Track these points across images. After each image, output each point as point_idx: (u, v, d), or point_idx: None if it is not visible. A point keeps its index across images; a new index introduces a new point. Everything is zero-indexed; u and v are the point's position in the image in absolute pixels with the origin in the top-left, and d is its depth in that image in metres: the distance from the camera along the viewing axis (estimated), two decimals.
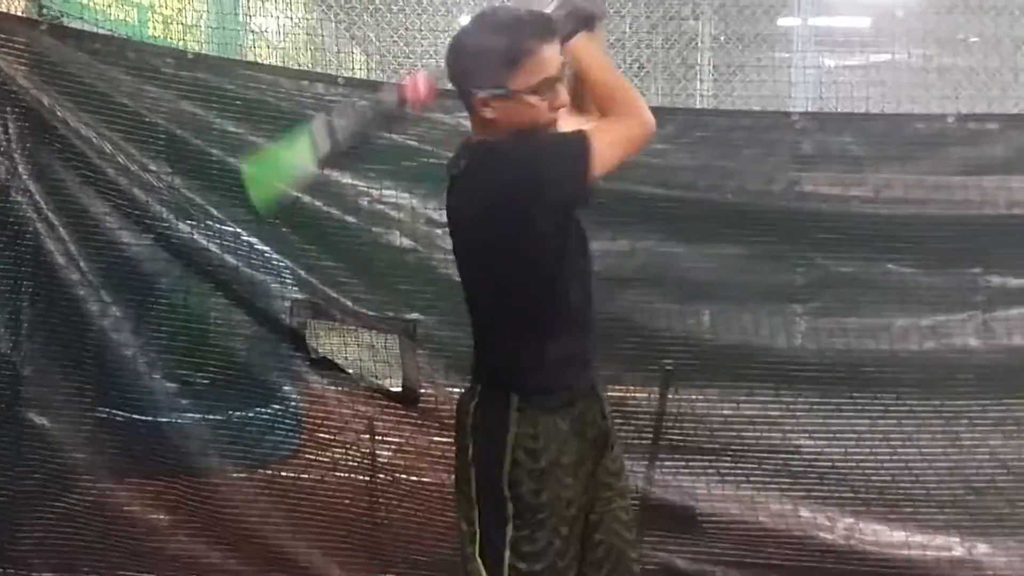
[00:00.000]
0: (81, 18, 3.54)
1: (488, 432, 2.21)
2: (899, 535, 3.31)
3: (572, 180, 2.11)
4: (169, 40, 3.78)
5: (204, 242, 3.39)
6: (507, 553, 2.18)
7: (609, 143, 2.12)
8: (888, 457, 3.32)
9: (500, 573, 2.18)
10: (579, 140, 2.11)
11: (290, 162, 2.26)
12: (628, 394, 3.44)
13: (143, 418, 3.37)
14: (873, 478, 3.33)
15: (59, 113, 3.31)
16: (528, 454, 2.17)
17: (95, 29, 3.53)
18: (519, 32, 2.08)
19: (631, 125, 2.16)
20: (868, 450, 3.33)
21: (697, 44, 4.08)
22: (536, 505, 2.17)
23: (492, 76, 2.09)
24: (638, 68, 3.92)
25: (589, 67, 2.21)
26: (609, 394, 3.38)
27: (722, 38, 4.02)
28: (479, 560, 2.21)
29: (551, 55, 2.08)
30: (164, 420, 3.37)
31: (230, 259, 3.40)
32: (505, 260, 2.15)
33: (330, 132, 2.23)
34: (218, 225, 3.40)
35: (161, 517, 3.40)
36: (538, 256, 2.15)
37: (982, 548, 3.29)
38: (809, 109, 3.70)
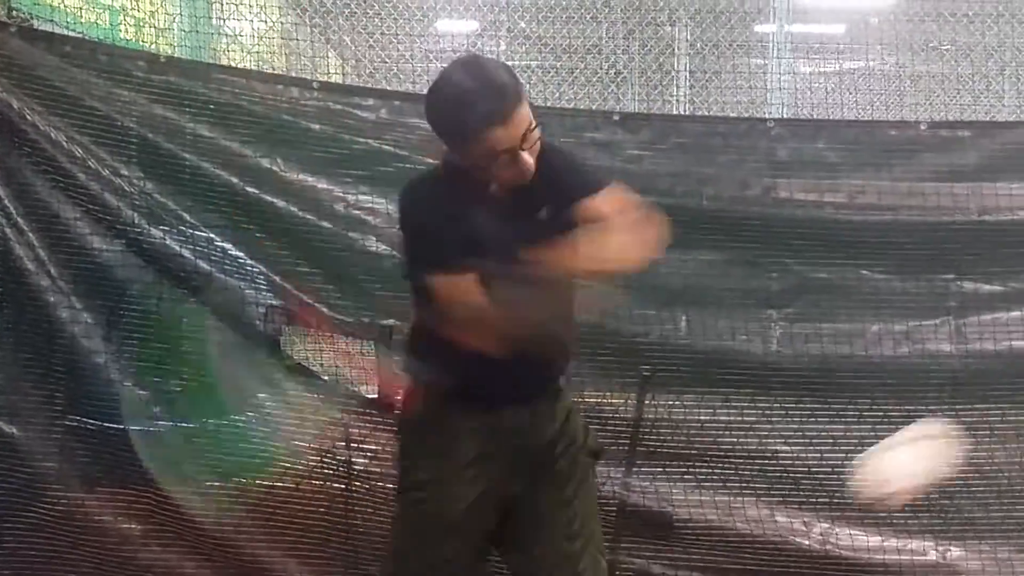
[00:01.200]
0: (51, 21, 3.49)
1: None
2: (874, 540, 3.33)
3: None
4: (141, 43, 3.75)
5: (177, 248, 3.36)
6: None
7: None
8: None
9: None
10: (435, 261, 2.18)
11: None
12: (604, 400, 3.44)
13: (115, 426, 3.32)
14: (848, 483, 3.34)
15: (29, 117, 3.27)
16: None
17: (66, 32, 3.49)
18: (470, 115, 2.09)
19: None
20: (843, 455, 3.33)
21: (674, 50, 4.09)
22: None
23: (449, 145, 2.19)
24: (615, 74, 3.93)
25: None
26: (585, 399, 3.43)
27: (698, 44, 4.04)
28: None
29: (504, 135, 2.08)
30: (136, 428, 3.32)
31: (203, 265, 3.37)
32: None
33: None
34: (191, 230, 3.37)
35: (133, 527, 3.34)
36: None
37: (956, 552, 3.31)
38: (784, 115, 3.72)
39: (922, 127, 3.42)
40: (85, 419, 3.33)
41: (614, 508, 3.39)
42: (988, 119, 3.87)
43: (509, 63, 4.55)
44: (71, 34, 3.49)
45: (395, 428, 2.53)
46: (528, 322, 2.09)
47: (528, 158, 2.12)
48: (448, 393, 2.26)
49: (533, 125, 2.13)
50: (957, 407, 3.32)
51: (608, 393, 3.44)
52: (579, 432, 2.40)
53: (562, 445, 2.34)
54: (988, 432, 3.32)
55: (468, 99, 2.09)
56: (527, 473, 2.31)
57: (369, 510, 3.36)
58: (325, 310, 3.36)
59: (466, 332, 2.12)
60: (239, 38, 3.76)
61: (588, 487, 2.38)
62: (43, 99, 3.28)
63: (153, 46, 3.63)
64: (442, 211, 2.20)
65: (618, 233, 2.09)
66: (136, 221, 3.34)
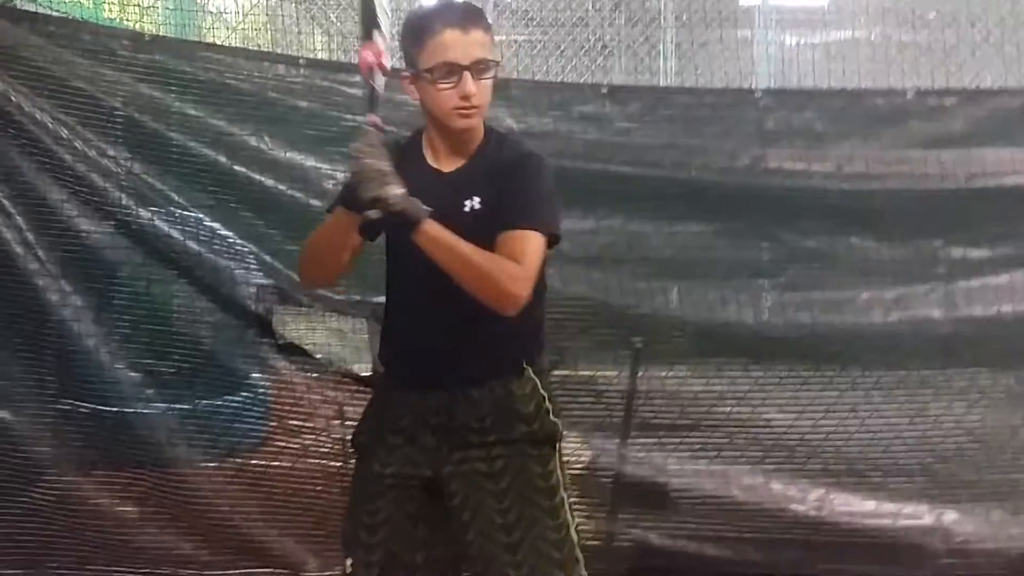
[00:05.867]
0: (34, 0, 3.44)
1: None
2: (869, 505, 3.36)
3: None
4: (125, 22, 3.70)
5: (166, 228, 3.34)
6: None
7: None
8: (856, 428, 3.36)
9: None
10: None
11: None
12: (598, 373, 3.45)
13: (108, 409, 3.30)
14: (842, 449, 3.37)
15: (13, 98, 3.23)
16: None
17: (49, 11, 3.45)
18: (432, 14, 2.14)
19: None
20: (837, 422, 3.37)
21: (660, 22, 4.08)
22: None
23: (407, 54, 2.17)
24: (601, 47, 3.92)
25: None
26: (579, 373, 3.44)
27: (684, 16, 4.03)
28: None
29: (455, 41, 2.08)
30: (129, 411, 3.31)
31: (193, 245, 3.34)
32: None
33: None
34: (180, 211, 3.34)
35: (129, 509, 3.33)
36: None
37: (950, 515, 3.34)
38: (771, 86, 3.73)
39: (909, 95, 3.43)
40: (78, 402, 3.31)
41: (610, 480, 3.41)
42: (973, 87, 3.88)
43: (496, 38, 4.55)
44: (54, 14, 3.44)
45: None
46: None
47: (473, 88, 2.09)
48: (388, 365, 2.30)
49: (492, 69, 2.12)
50: (948, 372, 3.36)
51: (602, 366, 3.45)
52: (521, 420, 2.22)
53: (496, 433, 2.20)
54: (979, 396, 3.35)
55: (435, 7, 2.17)
56: (452, 456, 2.20)
57: None
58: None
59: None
60: (224, 16, 3.73)
61: (527, 476, 2.20)
62: (27, 80, 3.25)
63: (137, 25, 3.59)
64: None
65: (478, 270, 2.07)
66: (124, 202, 3.32)
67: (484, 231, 2.09)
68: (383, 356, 2.32)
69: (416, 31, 2.14)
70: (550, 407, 2.25)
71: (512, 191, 2.13)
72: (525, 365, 2.23)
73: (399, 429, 2.23)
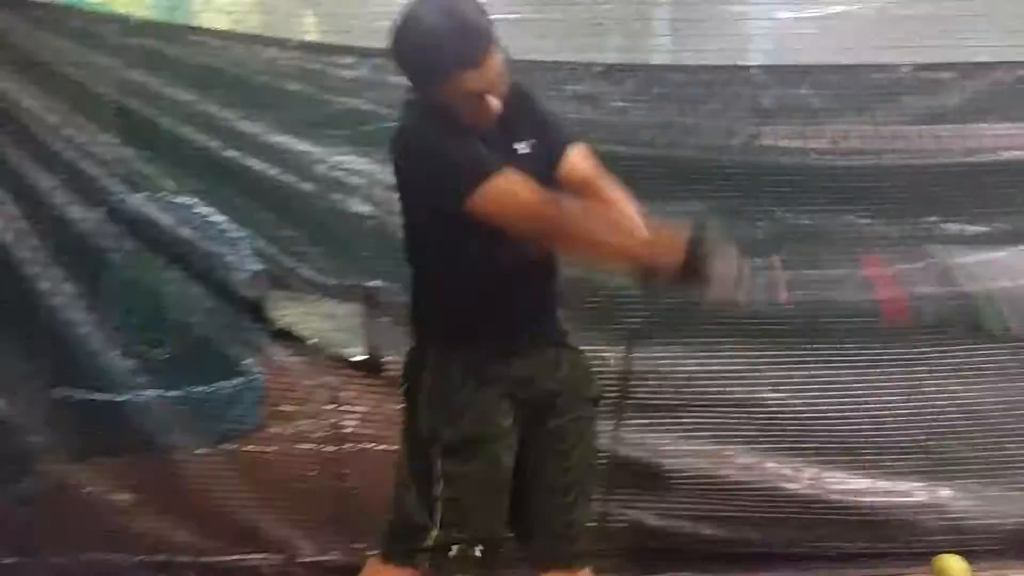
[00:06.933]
0: None
1: None
2: (863, 482, 3.36)
3: (444, 196, 2.12)
4: (114, 7, 3.67)
5: (158, 214, 3.32)
6: None
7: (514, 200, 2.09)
8: (851, 406, 3.36)
9: None
10: (480, 168, 2.07)
11: None
12: (593, 353, 3.43)
13: (101, 397, 3.30)
14: (836, 427, 3.37)
15: (1, 84, 3.21)
16: None
17: None
18: (443, 49, 2.03)
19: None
20: (831, 400, 3.37)
21: None
22: None
23: (414, 74, 2.13)
24: (595, 24, 3.89)
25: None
26: None
27: None
28: None
29: (474, 78, 2.04)
30: (123, 398, 3.31)
31: (185, 231, 3.33)
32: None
33: None
34: (172, 196, 3.33)
35: (124, 496, 3.33)
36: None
37: (944, 492, 3.35)
38: (766, 62, 3.70)
39: (905, 70, 3.40)
40: (71, 390, 3.31)
41: (605, 461, 3.41)
42: (970, 60, 3.85)
43: (488, 17, 4.50)
44: None
45: (405, 390, 2.46)
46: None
47: (495, 102, 2.09)
48: (462, 350, 2.27)
49: (507, 70, 2.11)
50: (943, 349, 3.35)
51: (597, 346, 3.44)
52: (581, 382, 2.38)
53: (563, 397, 2.33)
54: (974, 372, 3.34)
55: (441, 40, 2.03)
56: (527, 422, 2.29)
57: (361, 472, 3.36)
58: (309, 273, 3.34)
59: (542, 236, 2.12)
60: None
61: (587, 437, 2.36)
62: (15, 67, 3.23)
63: (126, 9, 3.56)
64: (453, 134, 2.14)
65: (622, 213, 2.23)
66: (115, 188, 3.30)
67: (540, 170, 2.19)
68: (450, 339, 2.28)
69: (426, 66, 2.07)
70: None
71: (547, 121, 2.31)
72: (561, 331, 2.36)
73: (505, 412, 2.26)
